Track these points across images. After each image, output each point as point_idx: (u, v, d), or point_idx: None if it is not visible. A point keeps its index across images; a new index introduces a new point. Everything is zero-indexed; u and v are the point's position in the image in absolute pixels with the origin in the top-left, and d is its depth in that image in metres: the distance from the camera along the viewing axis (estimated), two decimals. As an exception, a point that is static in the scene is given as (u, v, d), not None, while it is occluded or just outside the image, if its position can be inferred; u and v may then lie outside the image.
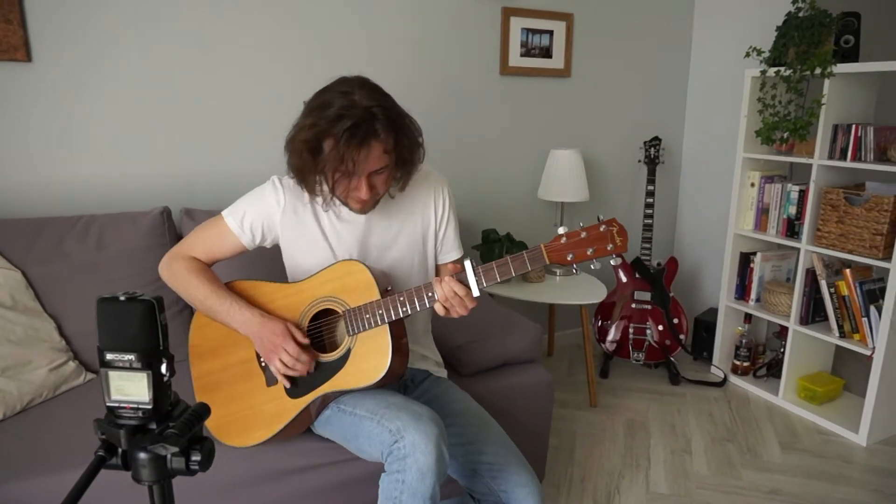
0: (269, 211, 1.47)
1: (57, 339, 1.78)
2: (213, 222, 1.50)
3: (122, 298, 0.65)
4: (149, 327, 0.65)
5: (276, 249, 1.55)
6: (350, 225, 1.49)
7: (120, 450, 0.67)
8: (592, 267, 1.27)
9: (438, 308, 1.31)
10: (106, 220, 1.95)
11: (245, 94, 2.30)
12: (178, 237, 2.03)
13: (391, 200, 1.50)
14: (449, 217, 1.58)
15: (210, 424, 1.47)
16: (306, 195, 1.44)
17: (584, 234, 1.24)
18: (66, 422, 1.57)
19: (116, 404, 0.66)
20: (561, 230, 1.26)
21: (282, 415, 1.43)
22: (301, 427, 1.50)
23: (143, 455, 0.66)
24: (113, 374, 0.66)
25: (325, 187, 1.36)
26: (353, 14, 2.42)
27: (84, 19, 2.01)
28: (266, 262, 1.74)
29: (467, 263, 1.30)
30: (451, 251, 1.61)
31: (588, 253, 1.24)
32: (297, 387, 1.42)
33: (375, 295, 1.36)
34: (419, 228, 1.55)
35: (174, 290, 1.49)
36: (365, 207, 1.41)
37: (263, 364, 1.45)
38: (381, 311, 1.34)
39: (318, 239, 1.48)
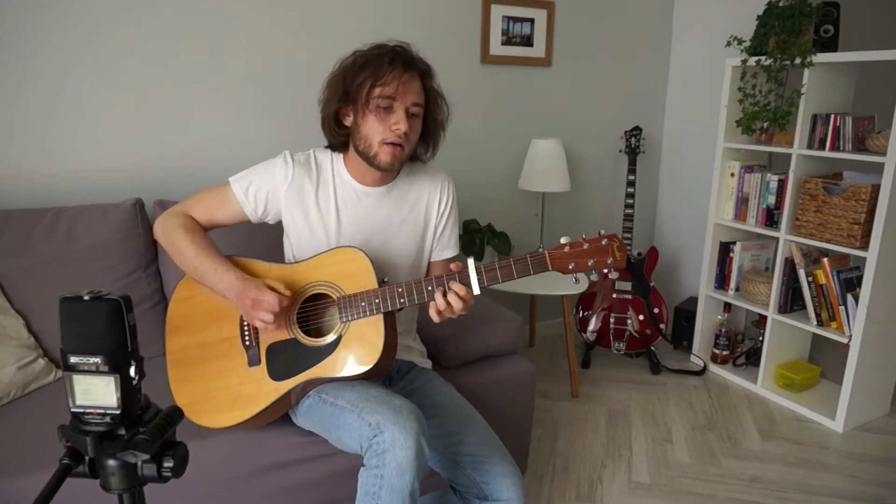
0: (275, 184, 1.44)
1: (25, 336, 1.72)
2: (219, 187, 1.48)
3: (86, 298, 0.61)
4: (116, 328, 0.62)
5: (277, 230, 1.52)
6: (355, 210, 1.48)
7: (87, 457, 0.64)
8: (591, 277, 1.32)
9: (433, 314, 1.31)
10: (76, 213, 1.88)
11: (221, 82, 2.23)
12: (152, 230, 1.98)
13: (399, 189, 1.51)
14: (450, 214, 1.59)
15: (180, 402, 1.42)
16: (316, 173, 1.44)
17: (586, 246, 1.28)
18: (37, 421, 1.52)
19: (82, 410, 0.63)
20: (564, 239, 1.30)
21: (260, 397, 1.39)
22: (278, 413, 1.46)
23: (111, 462, 0.63)
24: (78, 378, 0.62)
25: (357, 129, 1.36)
26: (331, 1, 2.36)
27: (51, 5, 1.93)
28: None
29: (470, 262, 1.30)
30: (445, 249, 1.60)
31: (589, 264, 1.28)
32: (280, 369, 1.38)
33: (373, 284, 1.34)
34: (421, 220, 1.55)
35: (163, 246, 1.46)
36: (395, 155, 1.37)
37: (247, 343, 1.42)
38: (377, 301, 1.33)
39: (321, 220, 1.46)
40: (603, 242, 1.28)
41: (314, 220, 1.46)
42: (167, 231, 1.44)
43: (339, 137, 1.44)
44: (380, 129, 1.35)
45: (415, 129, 1.40)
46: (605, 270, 1.29)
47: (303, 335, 1.39)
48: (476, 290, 1.30)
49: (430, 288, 1.31)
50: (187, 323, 1.46)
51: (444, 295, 1.29)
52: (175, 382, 1.44)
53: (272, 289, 1.34)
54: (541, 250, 1.30)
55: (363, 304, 1.33)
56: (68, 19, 1.96)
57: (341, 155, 1.49)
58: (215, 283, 1.39)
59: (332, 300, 1.39)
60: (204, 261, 1.39)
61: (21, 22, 1.90)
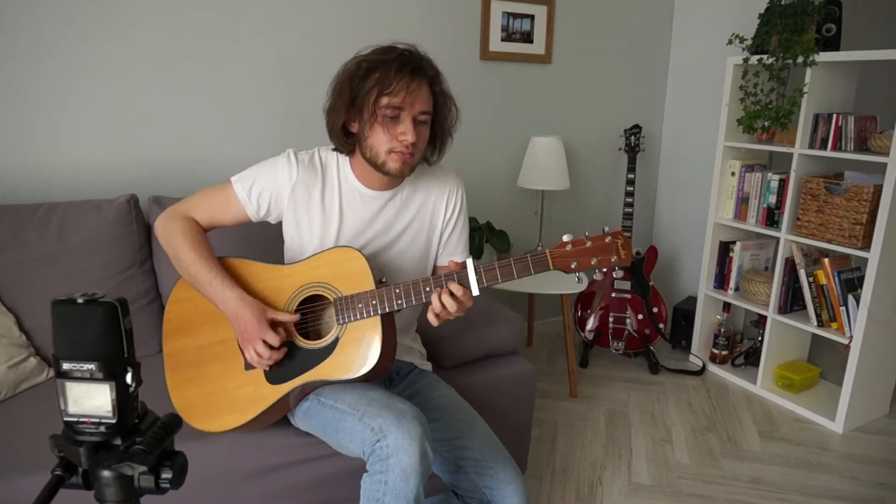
0: (279, 184, 1.41)
1: (16, 335, 1.68)
2: (221, 187, 1.44)
3: (80, 301, 0.58)
4: (111, 333, 0.59)
5: (275, 227, 1.49)
6: (360, 212, 1.44)
7: (80, 468, 0.61)
8: (595, 276, 1.27)
9: (431, 318, 1.27)
10: (68, 209, 1.84)
11: (217, 77, 2.19)
12: (147, 226, 1.94)
13: (406, 192, 1.47)
14: (458, 219, 1.55)
15: (178, 405, 1.40)
16: (321, 173, 1.42)
17: (589, 244, 1.24)
18: (29, 421, 1.49)
19: (75, 419, 0.59)
20: (566, 237, 1.25)
21: (258, 401, 1.36)
22: (276, 416, 1.44)
23: (106, 474, 0.60)
24: (71, 386, 0.59)
25: (364, 138, 1.33)
26: (329, -6, 2.33)
27: (47, 1, 1.89)
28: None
29: (469, 262, 1.26)
30: (453, 255, 1.56)
31: (592, 262, 1.24)
32: (277, 372, 1.35)
33: (370, 285, 1.31)
34: (427, 224, 1.51)
35: (163, 247, 1.42)
36: (405, 163, 1.33)
37: None
38: (374, 302, 1.29)
39: (325, 221, 1.43)
40: (607, 240, 1.24)
41: (317, 222, 1.43)
42: (168, 234, 1.41)
43: (348, 145, 1.39)
44: (386, 139, 1.31)
45: (423, 137, 1.35)
46: (612, 271, 1.26)
47: (300, 338, 1.36)
48: (475, 291, 1.26)
49: (427, 289, 1.27)
50: (185, 325, 1.43)
51: (440, 296, 1.25)
52: (173, 385, 1.41)
53: (275, 322, 1.32)
54: (540, 248, 1.26)
55: (360, 305, 1.30)
56: (58, 14, 1.92)
57: (347, 158, 1.45)
58: (210, 296, 1.36)
59: (330, 301, 1.36)
60: (201, 269, 1.36)
61: (15, 17, 1.86)
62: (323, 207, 1.43)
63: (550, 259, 1.24)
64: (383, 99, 1.28)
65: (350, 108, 1.33)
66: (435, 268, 1.58)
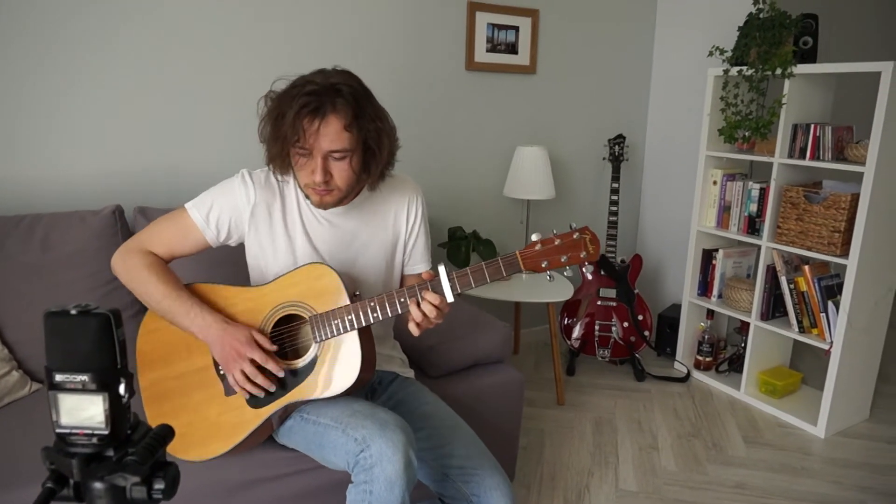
0: (237, 206, 1.39)
1: (-1, 348, 1.66)
2: (176, 215, 1.41)
3: (73, 312, 0.58)
4: (104, 344, 0.58)
5: (238, 251, 1.47)
6: (322, 228, 1.43)
7: (72, 481, 0.60)
8: (565, 274, 1.26)
9: (412, 328, 1.27)
10: (52, 220, 1.83)
11: (202, 87, 2.19)
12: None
13: (364, 204, 1.45)
14: (420, 228, 1.53)
15: None
16: (278, 191, 1.39)
17: (558, 242, 1.24)
18: (12, 436, 1.47)
19: (68, 430, 0.59)
20: (535, 237, 1.25)
21: (241, 426, 1.35)
22: (261, 438, 1.43)
23: (98, 486, 0.59)
24: (63, 397, 0.58)
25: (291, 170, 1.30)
26: (315, 7, 2.34)
27: (26, 8, 1.88)
28: (228, 264, 1.66)
29: (441, 269, 1.26)
30: (418, 263, 1.56)
31: (562, 260, 1.24)
32: (258, 397, 1.34)
33: (344, 300, 1.30)
34: (390, 236, 1.50)
35: (126, 285, 1.39)
36: (323, 199, 1.32)
37: (222, 372, 1.37)
38: (350, 317, 1.29)
39: (288, 239, 1.41)
40: (574, 237, 1.23)
41: (280, 241, 1.41)
42: (130, 271, 1.38)
43: (288, 169, 1.36)
44: (302, 175, 1.31)
45: (341, 170, 1.29)
46: (582, 267, 1.25)
47: (277, 359, 1.34)
48: (450, 298, 1.26)
49: (402, 299, 1.27)
50: (159, 356, 1.40)
51: (419, 305, 1.25)
52: (153, 418, 1.38)
53: (257, 342, 1.30)
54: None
55: (336, 322, 1.29)
56: (49, 26, 1.91)
57: None
58: (188, 327, 1.33)
59: (305, 320, 1.34)
60: (174, 302, 1.33)
61: (0, 29, 1.85)
62: (285, 226, 1.41)
63: (521, 260, 1.24)
64: (293, 142, 1.26)
65: (275, 142, 1.29)
66: (403, 277, 1.57)
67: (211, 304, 1.37)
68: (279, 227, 1.41)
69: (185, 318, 1.33)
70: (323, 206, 1.35)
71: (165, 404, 1.39)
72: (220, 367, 1.37)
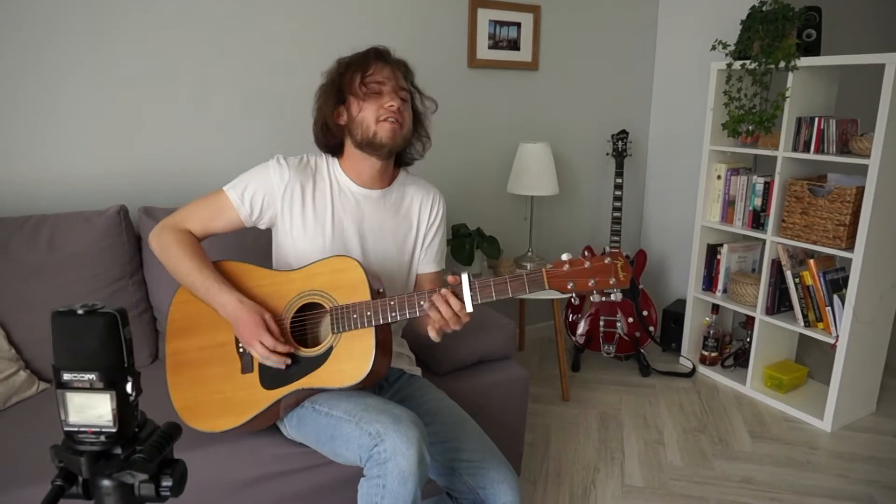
0: (271, 186, 1.45)
1: (5, 348, 1.67)
2: (213, 196, 1.48)
3: (80, 312, 0.58)
4: (111, 343, 0.59)
5: (267, 233, 1.52)
6: (351, 212, 1.48)
7: (80, 478, 0.61)
8: (592, 299, 1.28)
9: (432, 334, 1.30)
10: (57, 220, 1.83)
11: (206, 88, 2.20)
12: (137, 237, 1.94)
13: (393, 195, 1.53)
14: (439, 226, 1.60)
15: (177, 405, 1.42)
16: (311, 175, 1.47)
17: (587, 264, 1.23)
18: (19, 436, 1.48)
19: (76, 429, 0.60)
20: (564, 256, 1.24)
21: (252, 405, 1.38)
22: (268, 421, 1.45)
23: (107, 483, 0.60)
24: (71, 396, 0.59)
25: (353, 119, 1.40)
26: (316, 5, 2.34)
27: (25, 5, 1.88)
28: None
29: (464, 277, 1.27)
30: (431, 262, 1.60)
31: (589, 284, 1.22)
32: (272, 377, 1.37)
33: (366, 295, 1.33)
34: (413, 226, 1.56)
35: (160, 260, 1.45)
36: (394, 130, 1.39)
37: (241, 350, 1.40)
38: (369, 313, 1.31)
39: (317, 221, 1.46)
40: (606, 261, 1.22)
41: (310, 221, 1.46)
42: (163, 246, 1.44)
43: (335, 139, 1.46)
44: (374, 109, 1.39)
45: (407, 111, 1.44)
46: (608, 291, 1.25)
47: (296, 345, 1.37)
48: (469, 307, 1.27)
49: (422, 303, 1.29)
50: (188, 325, 1.45)
51: (439, 308, 1.27)
52: (173, 385, 1.43)
53: (266, 325, 1.33)
54: (530, 253, 1.26)
55: (355, 316, 1.32)
56: (50, 25, 1.92)
57: (336, 158, 1.51)
58: (210, 302, 1.39)
59: (326, 310, 1.37)
60: (198, 277, 1.39)
61: (1, 28, 1.86)
62: (315, 207, 1.46)
63: (546, 279, 1.24)
64: (366, 78, 1.39)
65: (336, 99, 1.42)
66: (417, 277, 1.61)
67: (239, 283, 1.42)
68: (309, 208, 1.46)
69: (207, 294, 1.38)
70: (395, 139, 1.41)
71: (186, 373, 1.43)
72: (240, 345, 1.40)
